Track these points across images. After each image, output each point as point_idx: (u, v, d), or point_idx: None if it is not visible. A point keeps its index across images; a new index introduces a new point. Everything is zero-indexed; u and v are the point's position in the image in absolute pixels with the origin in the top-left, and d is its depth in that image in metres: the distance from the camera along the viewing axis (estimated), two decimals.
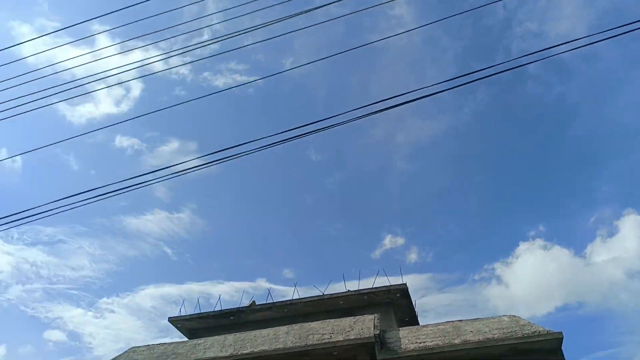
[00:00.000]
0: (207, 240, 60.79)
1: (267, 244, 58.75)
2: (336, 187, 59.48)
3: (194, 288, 51.12)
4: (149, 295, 54.79)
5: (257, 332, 16.67)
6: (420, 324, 19.67)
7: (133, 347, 18.19)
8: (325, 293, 19.73)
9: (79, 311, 55.76)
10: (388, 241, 54.27)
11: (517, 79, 58.11)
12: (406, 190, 59.01)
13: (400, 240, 55.19)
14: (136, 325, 54.22)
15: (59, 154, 54.17)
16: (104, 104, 53.28)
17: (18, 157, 51.86)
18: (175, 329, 21.09)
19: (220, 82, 52.47)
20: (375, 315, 16.16)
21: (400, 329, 15.84)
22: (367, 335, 14.26)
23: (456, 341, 13.59)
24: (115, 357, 17.58)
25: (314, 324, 16.22)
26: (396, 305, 19.76)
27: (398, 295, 19.23)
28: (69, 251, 54.93)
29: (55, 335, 54.70)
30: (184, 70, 53.61)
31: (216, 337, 17.31)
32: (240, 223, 59.73)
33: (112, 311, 54.63)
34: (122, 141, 55.40)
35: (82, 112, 52.14)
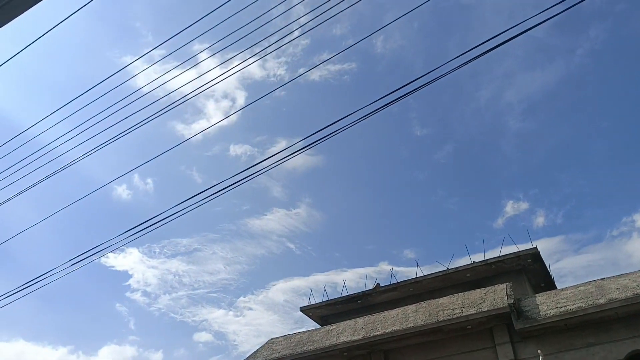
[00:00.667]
0: (326, 231, 62.58)
1: (385, 227, 58.99)
2: (447, 159, 57.74)
3: (319, 278, 53.04)
4: (280, 289, 58.06)
5: (386, 314, 16.93)
6: (559, 288, 18.62)
7: (272, 339, 19.42)
8: (449, 267, 19.44)
9: (221, 312, 60.85)
10: (510, 207, 51.70)
11: (635, 6, 51.91)
12: (524, 151, 55.63)
13: (524, 205, 52.24)
14: (273, 319, 57.77)
15: (184, 171, 58.90)
16: (215, 118, 56.84)
17: (149, 179, 57.52)
18: (308, 318, 22.10)
19: (315, 75, 53.40)
20: (507, 284, 15.62)
21: (537, 295, 15.16)
22: (501, 306, 13.86)
23: (601, 301, 12.72)
24: (257, 350, 18.90)
25: (443, 300, 16.09)
26: (528, 271, 18.90)
27: (529, 260, 18.37)
28: (204, 258, 60.09)
29: (203, 336, 60.33)
30: (280, 71, 55.26)
31: (347, 321, 17.87)
32: (355, 210, 60.55)
33: (250, 309, 58.83)
34: (235, 149, 58.76)
35: (197, 129, 56.12)
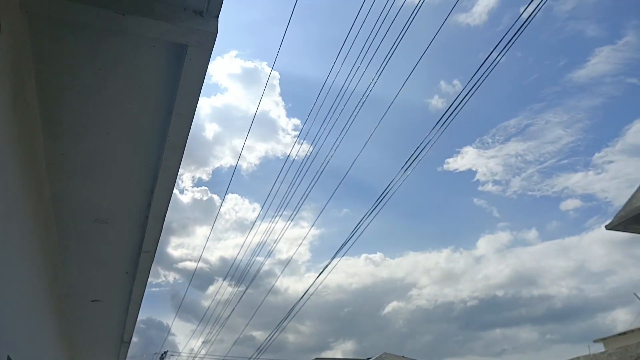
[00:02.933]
0: None
1: None
2: None
3: None
4: (639, 130, 51.94)
5: None
6: None
7: None
8: None
9: (579, 175, 58.81)
10: None
11: None
12: None
13: None
14: None
15: (483, 57, 57.84)
16: None
17: (455, 80, 59.33)
18: None
19: None
20: None
21: None
22: None
23: None
24: (633, 195, 17.52)
25: None
26: None
27: None
28: (539, 130, 58.71)
29: (570, 204, 59.82)
30: None
31: None
32: None
33: (610, 161, 54.85)
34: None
35: (479, 11, 54.24)
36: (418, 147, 7.98)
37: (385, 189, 8.90)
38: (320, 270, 10.86)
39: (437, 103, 59.22)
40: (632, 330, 20.62)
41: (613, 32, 53.01)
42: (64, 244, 5.23)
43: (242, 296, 19.89)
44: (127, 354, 9.06)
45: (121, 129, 3.79)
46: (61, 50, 3.11)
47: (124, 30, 2.94)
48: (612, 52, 51.69)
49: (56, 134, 3.77)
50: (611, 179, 54.58)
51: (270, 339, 14.32)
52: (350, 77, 8.82)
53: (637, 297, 16.91)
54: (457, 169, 61.29)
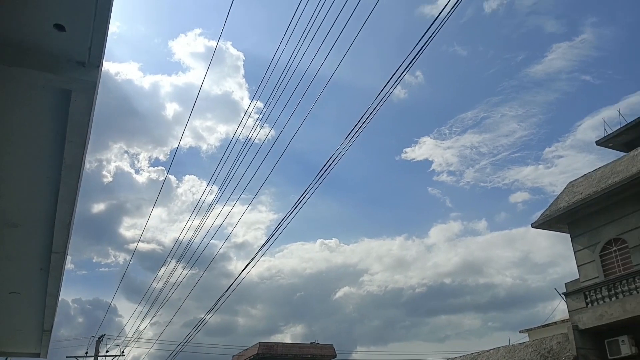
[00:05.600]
0: (627, 47, 54.68)
1: None
2: None
3: (634, 101, 47.36)
4: (589, 127, 54.74)
5: None
6: None
7: (571, 182, 19.07)
8: None
9: (529, 169, 61.47)
10: None
11: None
12: None
13: None
14: (590, 160, 55.56)
15: (445, 50, 58.99)
16: None
17: (418, 72, 59.99)
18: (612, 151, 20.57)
19: None
20: None
21: None
22: None
23: None
24: (558, 196, 18.87)
25: None
26: None
27: None
28: (495, 123, 60.85)
29: (519, 196, 62.60)
30: None
31: None
32: None
33: (560, 156, 57.60)
34: (490, 5, 55.90)
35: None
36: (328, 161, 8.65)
37: (327, 163, 9.50)
38: (247, 261, 11.52)
39: (400, 93, 60.51)
40: (555, 322, 22.28)
41: (571, 29, 55.28)
42: None
43: (181, 278, 20.41)
44: (49, 341, 9.52)
45: (22, 150, 4.32)
46: None
47: (13, 79, 3.46)
48: (569, 48, 53.94)
49: None
50: (560, 173, 57.55)
51: (199, 324, 14.96)
52: (318, 60, 9.10)
53: (557, 292, 18.35)
54: (414, 159, 63.21)
